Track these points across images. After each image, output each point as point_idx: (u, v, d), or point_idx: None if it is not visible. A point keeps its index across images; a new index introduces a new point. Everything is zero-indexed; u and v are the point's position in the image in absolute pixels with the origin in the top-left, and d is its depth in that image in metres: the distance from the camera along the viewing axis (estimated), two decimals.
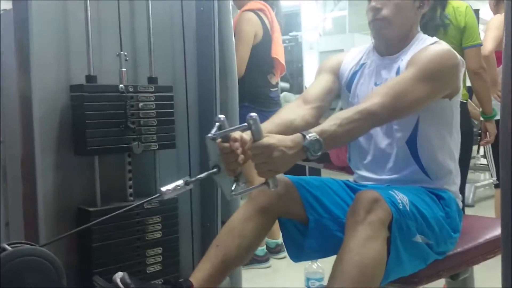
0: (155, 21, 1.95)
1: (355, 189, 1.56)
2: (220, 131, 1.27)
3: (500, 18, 2.90)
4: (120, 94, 1.80)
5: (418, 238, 1.38)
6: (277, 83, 3.11)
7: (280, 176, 1.44)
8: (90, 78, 1.79)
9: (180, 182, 1.27)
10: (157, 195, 1.28)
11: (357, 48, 1.75)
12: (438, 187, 1.56)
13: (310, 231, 1.52)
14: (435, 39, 1.59)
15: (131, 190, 1.91)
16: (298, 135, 1.27)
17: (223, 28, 2.13)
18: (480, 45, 2.40)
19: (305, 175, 3.46)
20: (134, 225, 1.85)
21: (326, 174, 1.75)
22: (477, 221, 1.85)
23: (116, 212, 1.41)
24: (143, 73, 1.97)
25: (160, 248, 1.92)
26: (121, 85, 1.81)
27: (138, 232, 1.86)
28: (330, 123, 1.32)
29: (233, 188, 1.31)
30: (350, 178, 1.75)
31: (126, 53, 1.86)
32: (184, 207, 2.07)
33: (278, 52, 2.98)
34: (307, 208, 1.52)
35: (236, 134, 1.29)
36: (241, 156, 1.29)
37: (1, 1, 1.98)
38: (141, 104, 1.86)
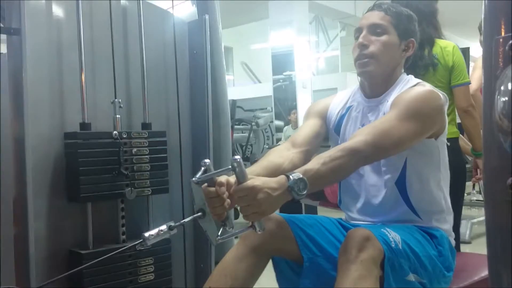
0: (148, 65, 1.99)
1: (348, 228, 1.56)
2: (205, 175, 1.25)
3: None
4: (114, 140, 1.82)
5: (411, 277, 1.37)
6: None
7: (273, 215, 1.43)
8: (84, 126, 1.81)
9: (163, 227, 1.24)
10: (140, 240, 1.25)
11: (343, 92, 1.77)
12: (429, 226, 1.56)
13: (304, 270, 1.50)
14: (418, 80, 1.61)
15: (123, 236, 1.91)
16: (282, 176, 1.25)
17: (216, 69, 2.17)
18: (469, 83, 2.43)
19: (302, 212, 3.45)
20: (126, 267, 1.83)
21: (322, 211, 1.74)
22: (472, 259, 1.84)
23: (107, 255, 1.39)
24: (137, 118, 2.00)
25: None
26: (115, 132, 1.83)
27: (130, 274, 1.84)
28: (313, 163, 1.32)
29: (219, 233, 1.28)
30: (344, 216, 1.75)
31: (120, 100, 1.88)
32: (177, 247, 2.06)
33: None
34: (301, 247, 1.50)
35: (222, 178, 1.27)
36: (227, 201, 1.26)
37: None
38: (134, 149, 1.88)
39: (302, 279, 1.50)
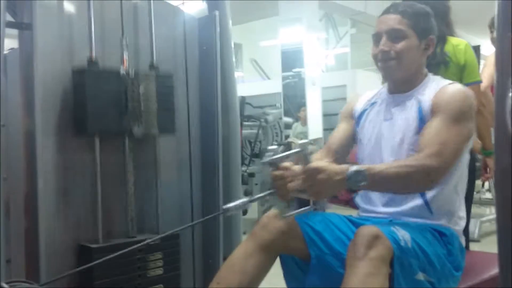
0: (159, 61, 1.99)
1: (358, 224, 1.56)
2: (274, 157, 1.40)
3: None
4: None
5: (420, 276, 1.37)
6: None
7: None
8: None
9: (242, 200, 1.38)
10: (221, 212, 1.42)
11: (372, 91, 1.80)
12: (440, 224, 1.56)
13: (312, 267, 1.51)
14: (448, 81, 1.63)
15: (132, 197, 1.91)
16: (345, 165, 1.35)
17: (225, 66, 2.18)
18: (480, 82, 2.41)
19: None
20: (136, 262, 1.84)
21: (332, 208, 1.75)
22: (481, 257, 1.83)
23: (119, 252, 1.41)
24: None
25: (161, 285, 1.90)
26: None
27: (139, 269, 1.85)
28: (381, 164, 1.44)
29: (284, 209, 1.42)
30: (354, 213, 1.75)
31: None
32: (186, 243, 2.06)
33: None
34: (309, 244, 1.51)
35: (287, 164, 1.39)
36: (290, 184, 1.37)
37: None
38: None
39: (310, 276, 1.51)
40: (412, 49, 1.58)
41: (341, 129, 1.77)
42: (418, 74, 1.64)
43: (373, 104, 1.72)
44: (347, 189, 1.36)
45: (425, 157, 1.41)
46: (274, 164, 1.40)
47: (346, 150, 1.74)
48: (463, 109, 1.51)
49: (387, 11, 1.62)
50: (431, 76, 1.66)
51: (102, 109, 1.81)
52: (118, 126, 1.84)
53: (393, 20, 1.58)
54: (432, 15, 1.66)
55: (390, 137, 1.60)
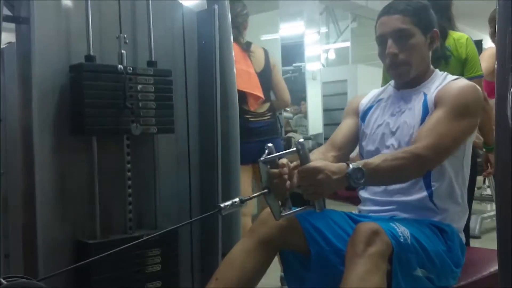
0: (157, 55, 1.97)
1: (357, 221, 1.55)
2: (271, 156, 1.36)
3: (492, 50, 2.92)
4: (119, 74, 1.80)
5: (419, 272, 1.36)
6: (261, 112, 3.02)
7: None
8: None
9: (236, 199, 1.34)
10: (216, 210, 1.33)
11: (379, 89, 1.80)
12: (441, 220, 1.55)
13: (311, 264, 1.50)
14: (455, 76, 1.63)
15: (130, 196, 1.90)
16: (343, 163, 1.34)
17: (225, 60, 2.16)
18: (481, 76, 2.40)
19: None
20: (134, 258, 1.83)
21: (331, 204, 1.74)
22: (482, 254, 1.83)
23: (117, 249, 1.39)
24: None
25: (160, 281, 1.89)
26: (120, 66, 1.81)
27: (137, 265, 1.84)
28: (375, 158, 1.42)
29: (281, 209, 1.39)
30: (354, 210, 1.75)
31: None
32: (184, 239, 2.06)
33: (240, 82, 2.97)
34: (309, 241, 1.50)
35: (284, 161, 1.37)
36: (288, 182, 1.35)
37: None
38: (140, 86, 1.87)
39: (309, 272, 1.50)
40: (419, 47, 1.59)
41: (346, 125, 1.76)
42: (426, 69, 1.64)
43: (379, 100, 1.72)
44: (346, 187, 1.35)
45: (419, 148, 1.42)
46: (272, 162, 1.37)
47: (351, 146, 1.73)
48: (468, 103, 1.51)
49: (387, 12, 1.60)
50: (438, 71, 1.67)
51: (99, 108, 1.78)
52: (116, 124, 1.82)
53: (396, 21, 1.57)
54: (430, 7, 1.65)
55: (397, 132, 1.60)
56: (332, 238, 1.51)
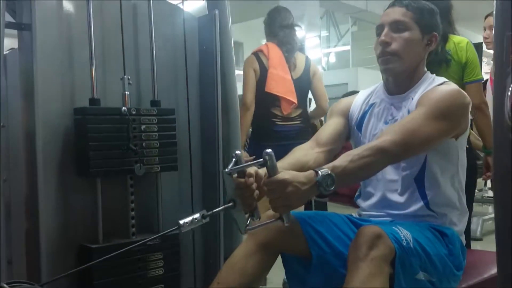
0: (158, 60, 1.98)
1: (358, 224, 1.56)
2: (236, 166, 1.28)
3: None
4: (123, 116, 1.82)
5: (421, 276, 1.36)
6: (291, 117, 3.05)
7: None
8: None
9: (197, 215, 1.26)
10: (175, 228, 1.26)
11: (366, 90, 1.78)
12: (442, 224, 1.56)
13: (313, 267, 1.50)
14: (443, 79, 1.62)
15: (133, 227, 1.91)
16: (311, 171, 1.29)
17: (226, 65, 2.17)
18: (482, 80, 2.42)
19: (312, 208, 3.44)
20: (136, 262, 1.84)
21: (332, 207, 1.73)
22: (483, 256, 1.83)
23: (119, 251, 1.40)
24: None
25: (162, 285, 1.90)
26: (124, 108, 1.83)
27: (139, 269, 1.85)
28: (341, 160, 1.36)
29: (248, 223, 1.32)
30: (355, 212, 1.75)
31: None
32: (186, 243, 2.06)
33: (274, 86, 3.01)
34: (310, 244, 1.50)
35: (252, 170, 1.30)
36: (256, 192, 1.30)
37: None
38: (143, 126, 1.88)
39: (311, 275, 1.51)
40: (413, 42, 1.58)
41: (332, 123, 1.72)
42: (417, 71, 1.63)
43: (372, 105, 1.70)
44: (317, 195, 1.31)
45: (386, 141, 1.39)
46: (241, 173, 1.28)
47: (336, 146, 1.68)
48: (447, 107, 1.49)
49: (392, 5, 1.62)
50: (429, 74, 1.65)
51: (104, 151, 1.80)
52: (120, 166, 1.84)
53: (397, 12, 1.58)
54: (437, 13, 1.65)
55: None
56: (333, 241, 1.51)
